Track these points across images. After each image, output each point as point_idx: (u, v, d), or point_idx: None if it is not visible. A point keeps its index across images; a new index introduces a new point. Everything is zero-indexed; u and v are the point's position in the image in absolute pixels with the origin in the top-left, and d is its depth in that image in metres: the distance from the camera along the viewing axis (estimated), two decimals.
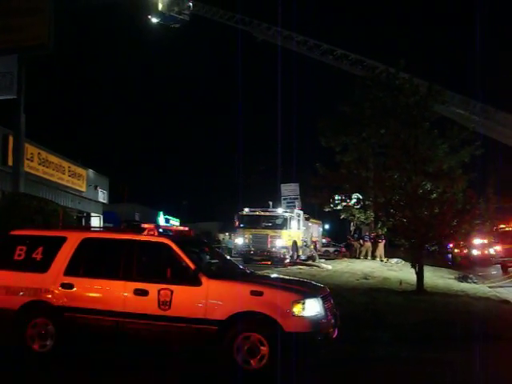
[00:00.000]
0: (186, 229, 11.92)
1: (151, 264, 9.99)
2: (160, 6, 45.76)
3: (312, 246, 37.86)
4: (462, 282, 26.75)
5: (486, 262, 44.39)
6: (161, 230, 10.45)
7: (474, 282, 27.37)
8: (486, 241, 46.41)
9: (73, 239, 10.08)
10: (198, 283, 9.07)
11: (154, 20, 46.66)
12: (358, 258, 34.77)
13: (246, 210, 33.65)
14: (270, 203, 35.22)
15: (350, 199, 22.43)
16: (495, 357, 10.63)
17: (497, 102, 28.24)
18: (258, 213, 33.63)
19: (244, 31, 35.85)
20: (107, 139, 76.22)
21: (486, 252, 48.06)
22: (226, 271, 10.52)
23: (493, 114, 26.90)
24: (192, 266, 9.24)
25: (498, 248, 41.16)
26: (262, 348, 8.72)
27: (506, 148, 27.40)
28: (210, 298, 9.01)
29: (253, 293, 8.91)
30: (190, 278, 9.14)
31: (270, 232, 32.32)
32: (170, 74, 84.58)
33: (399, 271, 26.77)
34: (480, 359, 9.78)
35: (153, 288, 9.16)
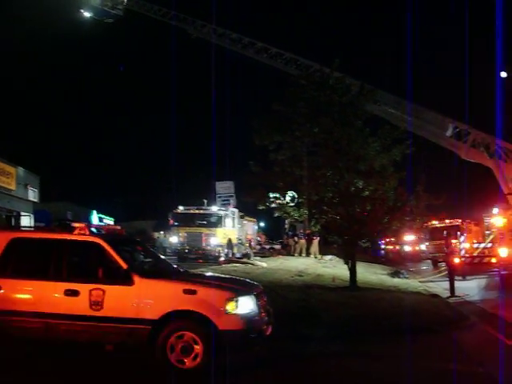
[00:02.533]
0: (119, 228, 11.78)
1: (82, 264, 9.85)
2: (92, 0, 44.83)
3: (247, 244, 37.96)
4: (393, 277, 27.30)
5: (417, 257, 45.51)
6: (93, 229, 10.29)
7: (406, 278, 27.97)
8: (416, 237, 47.53)
9: (0, 239, 9.80)
10: (130, 282, 8.97)
11: (87, 14, 45.60)
12: (293, 256, 35.06)
13: (181, 208, 33.47)
14: (205, 201, 35.13)
15: (284, 197, 22.55)
16: (424, 349, 10.89)
17: (427, 102, 28.93)
18: (192, 211, 33.51)
19: (179, 28, 35.63)
20: (39, 137, 74.28)
21: (417, 248, 49.25)
22: (159, 270, 10.44)
23: (423, 113, 27.50)
24: (124, 265, 9.12)
25: (429, 244, 42.27)
26: (195, 347, 8.71)
27: (436, 146, 28.09)
28: (143, 298, 8.93)
29: (186, 291, 8.88)
30: (122, 278, 9.03)
31: (204, 230, 32.26)
32: (106, 69, 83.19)
33: (333, 268, 27.08)
34: (410, 351, 10.00)
35: (84, 288, 9.01)
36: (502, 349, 11.11)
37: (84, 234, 9.65)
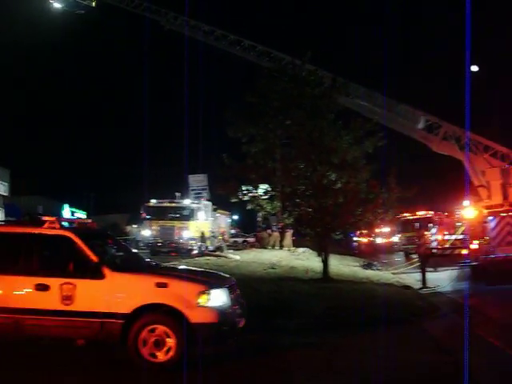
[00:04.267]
0: (90, 221, 11.69)
1: (53, 258, 9.72)
2: None
3: (220, 237, 37.94)
4: (366, 269, 27.49)
5: (390, 249, 45.88)
6: (63, 223, 10.19)
7: (378, 269, 28.20)
8: (389, 229, 47.89)
9: None
10: (101, 276, 8.91)
11: (57, 5, 44.89)
12: (266, 248, 35.11)
13: (153, 201, 33.31)
14: (178, 194, 35.01)
15: (257, 190, 22.54)
16: (396, 339, 10.99)
17: (399, 95, 29.09)
18: (164, 204, 33.38)
19: (152, 20, 35.32)
20: (9, 130, 73.22)
21: (390, 240, 49.65)
22: (130, 264, 10.38)
23: (395, 106, 27.64)
24: (95, 259, 9.05)
25: (401, 236, 42.61)
26: (168, 340, 8.69)
27: (408, 139, 28.29)
28: (114, 291, 8.87)
29: (158, 285, 8.84)
30: (93, 272, 8.95)
31: (177, 223, 32.18)
32: (77, 60, 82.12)
33: (306, 260, 27.17)
34: (382, 342, 10.08)
35: (54, 283, 8.92)
36: (470, 338, 11.24)
37: (54, 228, 9.55)
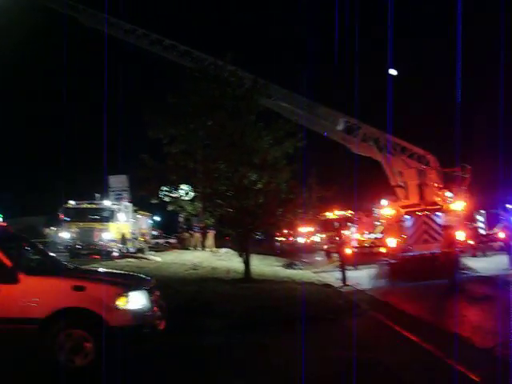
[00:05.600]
0: (4, 224, 11.31)
1: None
2: None
3: (141, 239, 37.49)
4: (288, 268, 27.77)
5: (311, 249, 46.46)
6: None
7: (300, 269, 28.53)
8: (310, 229, 48.55)
9: None
10: (15, 281, 8.63)
11: None
12: (188, 249, 34.99)
13: (72, 202, 32.50)
14: (98, 195, 34.31)
15: (178, 191, 22.36)
16: (317, 337, 11.13)
17: (319, 98, 29.46)
18: (84, 206, 32.67)
19: (71, 16, 34.41)
20: None
21: (311, 240, 50.32)
22: (46, 267, 10.12)
23: (316, 108, 27.92)
24: (8, 262, 8.76)
25: (322, 235, 43.27)
26: (86, 344, 8.51)
27: (328, 140, 28.67)
28: (29, 296, 8.60)
29: (74, 288, 8.63)
30: (7, 276, 8.66)
31: (97, 225, 31.54)
32: None
33: (228, 260, 27.22)
34: (303, 340, 10.16)
35: None
36: (389, 334, 11.53)
37: None
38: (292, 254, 41.78)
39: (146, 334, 9.03)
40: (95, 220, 31.87)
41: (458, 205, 23.43)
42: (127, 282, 9.47)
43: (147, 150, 21.45)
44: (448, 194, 24.10)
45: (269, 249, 45.50)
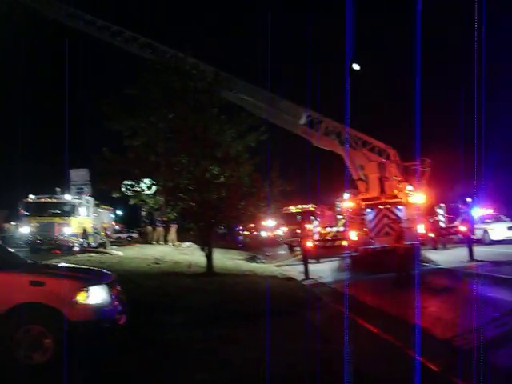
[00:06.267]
0: None
1: None
2: None
3: (103, 233, 37.14)
4: (251, 262, 27.88)
5: (274, 242, 46.67)
6: None
7: (262, 262, 28.67)
8: (273, 223, 48.71)
9: None
10: None
11: None
12: (151, 244, 34.81)
13: (32, 197, 32.01)
14: (58, 189, 33.81)
15: (140, 184, 22.15)
16: (280, 330, 11.13)
17: (281, 91, 29.48)
18: (44, 200, 32.20)
19: (31, 8, 33.78)
20: None
21: (274, 233, 50.50)
22: (3, 262, 9.89)
23: (278, 102, 27.95)
24: None
25: (285, 229, 43.42)
26: (45, 341, 8.37)
27: (290, 134, 28.72)
28: None
29: (33, 283, 8.49)
30: None
31: (57, 220, 31.10)
32: None
33: (191, 255, 27.15)
34: (267, 333, 10.18)
35: None
36: (350, 326, 11.60)
37: None
38: (255, 248, 41.95)
39: (107, 329, 8.94)
40: (56, 214, 31.43)
41: (418, 198, 23.71)
42: (87, 277, 9.35)
43: (109, 144, 21.21)
44: (408, 187, 24.36)
45: (232, 243, 45.57)
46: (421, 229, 23.18)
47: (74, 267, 11.66)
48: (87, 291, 8.65)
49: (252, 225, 53.97)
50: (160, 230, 36.13)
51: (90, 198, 34.74)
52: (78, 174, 38.52)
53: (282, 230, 46.92)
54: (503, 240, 29.66)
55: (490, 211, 34.39)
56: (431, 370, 8.27)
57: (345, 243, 24.38)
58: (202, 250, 20.61)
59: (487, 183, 32.91)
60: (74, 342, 8.28)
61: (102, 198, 36.99)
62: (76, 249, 29.73)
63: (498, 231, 30.58)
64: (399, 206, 23.46)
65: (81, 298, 8.56)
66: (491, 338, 9.59)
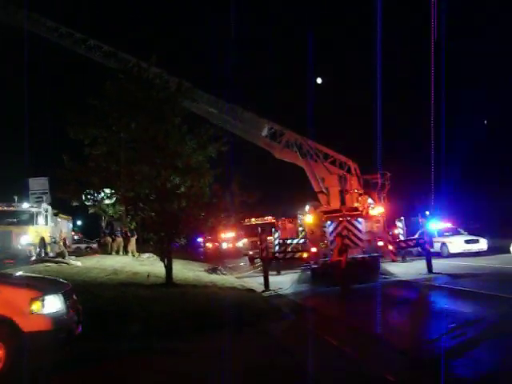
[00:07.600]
0: None
1: None
2: None
3: (61, 243, 36.58)
4: (211, 273, 27.71)
5: (235, 254, 46.54)
6: None
7: (223, 274, 28.55)
8: (234, 234, 48.63)
9: None
10: None
11: None
12: (110, 254, 34.40)
13: None
14: (15, 198, 33.23)
15: (99, 193, 21.88)
16: (239, 342, 11.11)
17: (245, 103, 29.55)
18: (1, 208, 31.59)
19: None
20: None
21: (235, 245, 50.40)
22: None
23: (240, 113, 28.02)
24: None
25: (245, 241, 43.35)
26: None
27: (251, 146, 28.79)
28: None
29: None
30: None
31: (14, 229, 30.47)
32: None
33: (150, 265, 26.88)
34: (226, 344, 10.14)
35: None
36: (309, 338, 11.63)
37: None
38: (216, 260, 41.76)
39: (63, 339, 8.77)
40: (13, 223, 30.83)
41: (378, 211, 23.95)
42: (42, 286, 9.18)
43: (70, 152, 20.93)
44: (369, 200, 24.59)
45: (193, 254, 45.32)
46: (380, 241, 23.39)
47: (29, 276, 11.48)
48: (42, 300, 8.48)
49: (213, 236, 53.83)
50: (120, 240, 35.71)
51: (48, 206, 34.21)
52: (37, 183, 37.93)
53: (243, 242, 46.84)
54: (461, 253, 30.24)
55: (448, 225, 34.95)
56: (387, 380, 8.32)
57: (305, 255, 24.41)
58: (162, 260, 20.43)
59: (446, 197, 33.49)
60: (29, 352, 8.12)
61: (62, 206, 36.51)
62: (33, 258, 29.20)
63: (456, 244, 31.15)
64: (359, 219, 23.65)
65: (36, 307, 8.39)
66: (448, 348, 9.68)
